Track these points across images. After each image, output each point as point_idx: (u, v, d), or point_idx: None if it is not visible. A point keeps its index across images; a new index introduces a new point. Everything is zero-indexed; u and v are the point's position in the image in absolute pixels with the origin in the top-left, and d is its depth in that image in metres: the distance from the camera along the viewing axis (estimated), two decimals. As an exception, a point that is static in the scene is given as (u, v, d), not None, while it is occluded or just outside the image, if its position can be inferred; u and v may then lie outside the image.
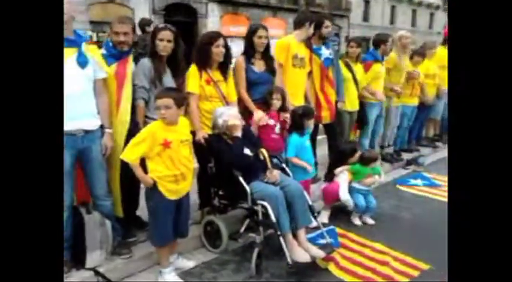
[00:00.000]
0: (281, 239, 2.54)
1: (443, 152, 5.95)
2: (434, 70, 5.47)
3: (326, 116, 4.13)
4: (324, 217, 3.50)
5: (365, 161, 3.57)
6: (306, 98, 3.98)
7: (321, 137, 4.37)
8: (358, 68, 4.56)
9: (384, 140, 5.23)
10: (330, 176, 3.61)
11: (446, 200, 4.01)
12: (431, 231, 3.30)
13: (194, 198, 3.26)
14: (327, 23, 4.06)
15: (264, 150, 2.88)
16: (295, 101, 3.75)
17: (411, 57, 5.13)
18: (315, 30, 3.94)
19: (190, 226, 3.09)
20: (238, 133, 2.82)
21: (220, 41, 3.00)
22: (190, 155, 2.55)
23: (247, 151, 2.85)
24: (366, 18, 28.45)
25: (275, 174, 2.83)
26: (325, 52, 4.11)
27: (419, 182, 4.51)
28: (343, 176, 3.50)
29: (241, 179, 2.70)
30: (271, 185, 2.77)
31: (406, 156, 5.36)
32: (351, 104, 4.48)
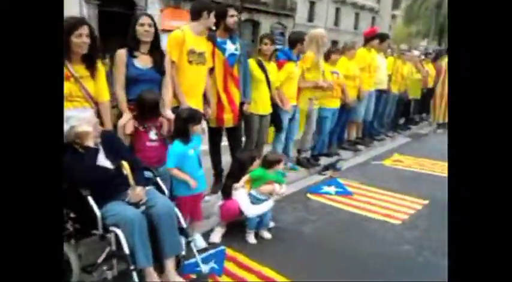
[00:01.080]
0: (134, 274, 2.07)
1: (364, 155, 5.81)
2: (355, 71, 5.28)
3: (229, 118, 3.69)
4: (217, 236, 3.06)
5: (267, 163, 3.17)
6: (205, 98, 3.52)
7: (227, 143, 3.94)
8: (271, 67, 4.18)
9: (302, 144, 4.93)
10: (227, 190, 3.17)
11: (353, 210, 3.77)
12: (332, 248, 3.00)
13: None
14: (232, 11, 3.57)
15: (125, 163, 2.37)
16: (192, 102, 3.27)
17: (328, 57, 4.87)
18: (218, 21, 3.48)
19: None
20: (90, 142, 2.28)
21: (83, 30, 2.45)
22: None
23: (106, 163, 2.34)
24: (311, 19, 28.84)
25: (138, 192, 2.33)
26: (231, 47, 3.64)
27: (332, 189, 4.23)
28: (242, 191, 3.09)
29: (90, 199, 2.18)
30: (131, 207, 2.26)
31: (324, 160, 5.09)
32: (263, 107, 4.09)
